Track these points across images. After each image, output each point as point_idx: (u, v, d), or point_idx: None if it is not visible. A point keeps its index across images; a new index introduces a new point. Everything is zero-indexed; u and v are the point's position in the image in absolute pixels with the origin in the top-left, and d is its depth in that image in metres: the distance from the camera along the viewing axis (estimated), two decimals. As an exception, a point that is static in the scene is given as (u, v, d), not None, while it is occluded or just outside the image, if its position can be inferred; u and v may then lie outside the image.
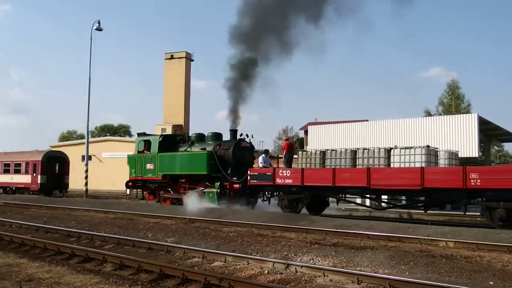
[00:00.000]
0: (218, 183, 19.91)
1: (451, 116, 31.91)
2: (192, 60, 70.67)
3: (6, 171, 35.98)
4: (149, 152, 22.71)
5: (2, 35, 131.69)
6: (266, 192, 19.42)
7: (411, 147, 17.18)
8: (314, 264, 9.20)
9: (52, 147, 53.66)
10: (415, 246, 10.96)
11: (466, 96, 52.08)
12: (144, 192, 24.39)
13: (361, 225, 14.03)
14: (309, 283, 7.78)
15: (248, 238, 12.02)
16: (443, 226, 13.91)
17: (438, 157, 17.38)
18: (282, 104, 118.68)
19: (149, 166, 22.45)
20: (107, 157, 53.98)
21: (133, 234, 13.29)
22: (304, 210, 18.23)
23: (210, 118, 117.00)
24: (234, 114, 21.43)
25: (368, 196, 17.61)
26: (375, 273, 8.36)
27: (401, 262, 9.00)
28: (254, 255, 9.91)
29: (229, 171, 19.67)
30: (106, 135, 70.85)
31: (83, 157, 36.66)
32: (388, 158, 17.31)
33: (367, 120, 40.88)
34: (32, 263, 9.37)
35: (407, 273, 8.40)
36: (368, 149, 18.10)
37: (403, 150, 17.05)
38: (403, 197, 17.32)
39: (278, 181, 18.06)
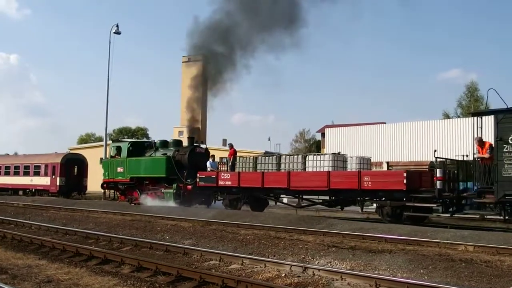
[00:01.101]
0: (175, 184, 22.51)
1: (469, 118, 31.53)
2: (210, 63, 70.74)
3: (26, 173, 36.44)
4: (119, 157, 25.16)
5: (22, 38, 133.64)
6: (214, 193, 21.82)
7: (321, 154, 19.82)
8: (332, 267, 9.15)
9: (70, 149, 54.08)
10: (433, 250, 10.84)
11: (485, 97, 51.32)
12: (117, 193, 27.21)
13: (379, 228, 13.93)
14: (327, 286, 7.74)
15: (265, 241, 12.01)
16: (462, 229, 13.74)
17: (347, 162, 19.08)
18: (299, 107, 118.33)
19: (120, 169, 24.99)
20: (124, 160, 54.26)
21: (150, 236, 13.36)
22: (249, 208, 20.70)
23: (227, 120, 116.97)
24: (191, 124, 24.89)
25: (291, 196, 20.23)
26: (394, 277, 8.30)
27: (420, 266, 8.91)
28: (271, 258, 9.90)
29: (184, 174, 22.26)
30: (124, 138, 71.32)
31: (101, 159, 36.95)
32: (305, 163, 19.25)
33: (385, 123, 40.69)
34: (51, 265, 9.48)
35: (426, 277, 8.31)
36: (290, 155, 20.79)
37: (315, 156, 19.35)
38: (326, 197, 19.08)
39: (221, 183, 20.64)
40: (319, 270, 8.51)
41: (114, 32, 32.81)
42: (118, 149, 25.51)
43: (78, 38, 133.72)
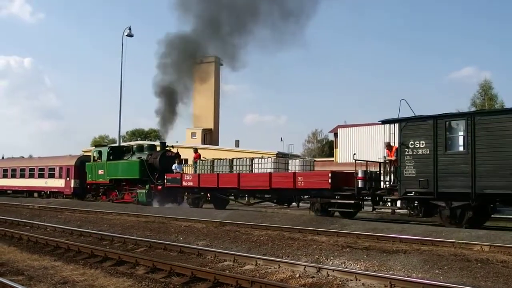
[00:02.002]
0: (147, 185, 24.37)
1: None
2: (221, 64, 70.67)
3: (41, 176, 36.71)
4: (100, 161, 27.36)
5: (37, 42, 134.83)
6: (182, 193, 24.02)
7: (266, 157, 21.97)
8: (346, 268, 9.13)
9: (84, 151, 54.43)
10: (449, 250, 10.76)
11: (499, 96, 50.82)
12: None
13: (393, 228, 13.87)
14: (341, 287, 7.73)
15: (279, 242, 12.00)
16: (478, 229, 13.62)
17: (289, 164, 20.47)
18: (311, 106, 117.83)
19: (100, 172, 27.16)
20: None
21: (164, 237, 13.42)
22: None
23: (240, 121, 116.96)
24: (163, 129, 27.27)
25: (242, 194, 22.41)
26: (408, 277, 8.25)
27: (435, 266, 8.86)
28: (285, 259, 9.90)
29: (156, 176, 24.12)
30: (137, 140, 71.53)
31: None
32: (252, 165, 20.78)
33: (398, 122, 40.33)
34: (66, 266, 9.56)
35: (441, 277, 8.26)
36: (239, 158, 22.10)
37: (260, 159, 21.00)
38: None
39: (184, 183, 22.46)
40: (333, 270, 8.50)
41: (127, 35, 33.01)
42: (100, 153, 27.66)
43: (90, 40, 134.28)
